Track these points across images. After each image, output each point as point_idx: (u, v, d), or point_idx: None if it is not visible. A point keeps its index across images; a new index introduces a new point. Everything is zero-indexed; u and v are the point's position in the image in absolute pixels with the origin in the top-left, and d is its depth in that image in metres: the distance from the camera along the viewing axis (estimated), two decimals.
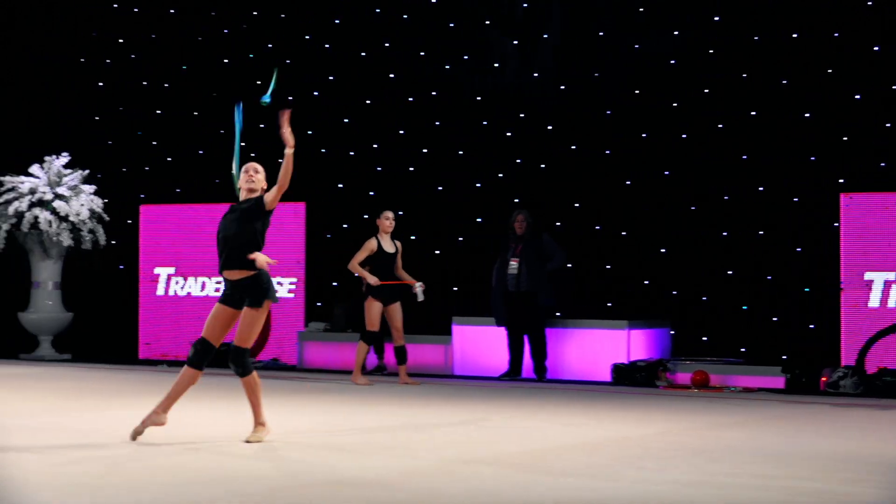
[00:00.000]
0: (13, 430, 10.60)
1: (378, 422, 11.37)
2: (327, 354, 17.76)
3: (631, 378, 15.54)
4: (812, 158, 16.57)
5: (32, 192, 19.05)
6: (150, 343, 19.49)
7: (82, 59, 21.02)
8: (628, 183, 17.35)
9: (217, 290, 19.03)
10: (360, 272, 15.13)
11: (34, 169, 19.31)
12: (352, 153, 19.11)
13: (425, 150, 18.62)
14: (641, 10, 17.51)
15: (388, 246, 15.29)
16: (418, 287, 15.29)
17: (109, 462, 8.66)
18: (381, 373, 16.99)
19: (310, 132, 19.29)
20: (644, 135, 17.32)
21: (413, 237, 18.17)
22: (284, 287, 18.54)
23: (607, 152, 17.48)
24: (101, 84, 20.91)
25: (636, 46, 17.49)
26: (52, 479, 7.97)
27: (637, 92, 17.42)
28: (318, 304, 18.76)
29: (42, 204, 19.02)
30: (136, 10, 20.76)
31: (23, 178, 19.24)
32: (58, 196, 19.07)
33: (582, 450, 9.56)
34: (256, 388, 9.79)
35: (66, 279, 19.56)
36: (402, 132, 18.82)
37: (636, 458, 9.03)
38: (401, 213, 18.30)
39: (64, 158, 19.41)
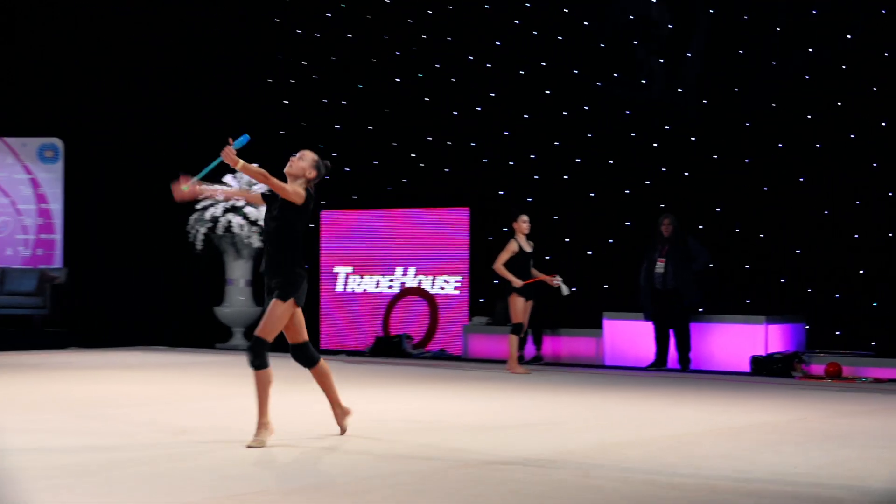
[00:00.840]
0: (215, 411, 10.80)
1: (533, 407, 11.35)
2: (489, 346, 17.78)
3: (769, 369, 15.32)
4: None
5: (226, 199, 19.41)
6: (329, 334, 19.71)
7: (269, 80, 21.34)
8: (766, 189, 17.09)
9: (390, 286, 19.19)
10: (505, 274, 15.12)
11: (227, 178, 19.61)
12: (511, 163, 19.10)
13: (578, 160, 18.54)
14: (778, 29, 17.24)
15: (526, 246, 15.29)
16: (557, 280, 15.29)
17: (298, 441, 8.78)
18: (538, 363, 16.96)
19: (473, 144, 19.36)
20: (780, 144, 17.05)
21: (567, 239, 18.12)
22: (451, 285, 18.61)
23: (746, 161, 17.23)
24: (286, 102, 21.21)
25: (773, 63, 17.22)
26: (248, 454, 8.10)
27: (773, 105, 17.15)
28: (481, 299, 18.79)
29: (234, 210, 19.34)
30: (316, 35, 21.02)
31: (217, 186, 19.56)
32: (248, 203, 19.40)
33: (723, 434, 9.45)
34: (268, 385, 8.61)
35: (256, 277, 19.88)
36: (557, 143, 18.76)
37: (774, 443, 8.90)
38: (556, 217, 18.30)
39: (254, 168, 19.69)
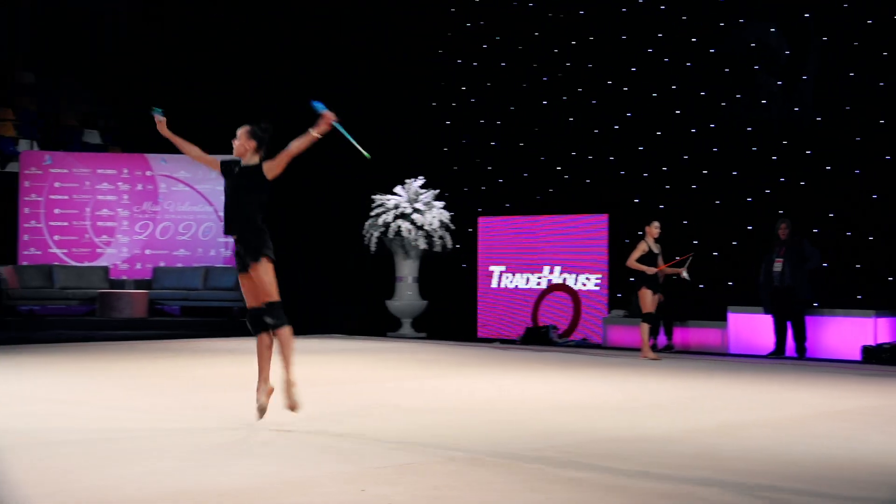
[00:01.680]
0: (386, 389, 11.03)
1: (664, 390, 11.37)
2: (626, 335, 17.77)
3: (878, 358, 15.07)
4: None
5: (396, 206, 19.66)
6: (485, 325, 19.88)
7: (434, 104, 21.59)
8: (874, 196, 16.79)
9: (538, 283, 19.28)
10: (638, 266, 15.21)
11: (397, 189, 19.93)
12: (646, 174, 19.05)
13: (705, 171, 18.42)
14: (885, 54, 16.91)
15: (654, 248, 15.36)
16: (684, 273, 15.43)
17: (459, 414, 8.94)
18: (669, 351, 16.91)
19: (612, 158, 19.37)
20: (888, 157, 16.74)
21: (696, 241, 18.02)
22: (592, 281, 18.64)
23: (856, 171, 16.95)
24: (448, 122, 21.43)
25: (881, 84, 16.91)
26: (420, 428, 8.29)
27: (882, 122, 16.84)
28: (619, 294, 18.78)
29: (403, 216, 19.60)
30: (474, 63, 21.19)
31: (389, 196, 19.88)
32: (415, 210, 19.63)
33: (835, 416, 9.38)
34: (290, 341, 8.09)
35: (422, 274, 20.12)
36: (686, 157, 18.67)
37: (882, 424, 8.82)
38: (685, 222, 18.21)
39: (420, 180, 19.96)
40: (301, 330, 19.67)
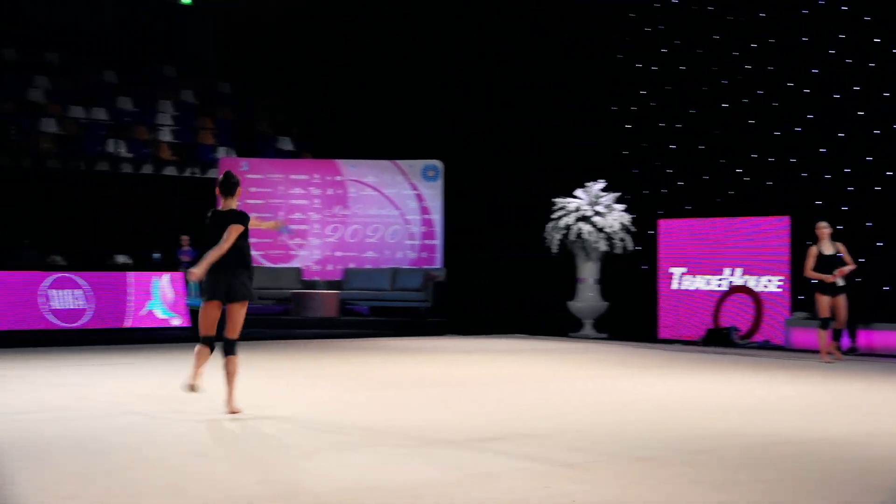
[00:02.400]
0: (570, 388, 11.17)
1: (848, 392, 11.15)
2: (808, 338, 17.47)
3: None
4: None
5: (577, 209, 19.71)
6: (666, 326, 19.78)
7: (614, 108, 21.59)
8: None
9: (719, 285, 19.11)
10: (815, 275, 14.90)
11: (578, 192, 19.99)
12: (827, 176, 18.71)
13: (889, 173, 18.00)
14: None
15: (827, 249, 14.98)
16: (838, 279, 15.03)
17: (643, 415, 9.02)
18: (854, 353, 16.58)
19: (793, 160, 19.08)
20: None
21: (880, 243, 17.63)
22: (773, 283, 18.39)
23: None
24: (628, 126, 21.43)
25: None
26: (604, 427, 8.43)
27: None
28: (801, 297, 18.49)
29: (584, 219, 19.63)
30: (654, 67, 21.14)
31: (570, 199, 19.95)
32: (596, 213, 19.65)
33: None
34: (237, 369, 8.96)
35: (603, 276, 20.12)
36: (869, 158, 18.28)
37: None
38: (869, 223, 17.84)
39: (600, 184, 19.97)
40: (485, 330, 20.00)
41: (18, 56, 25.66)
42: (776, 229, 18.41)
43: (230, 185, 9.12)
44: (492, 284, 21.87)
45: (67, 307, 17.86)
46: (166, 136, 24.61)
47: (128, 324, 18.43)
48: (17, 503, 5.75)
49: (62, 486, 6.12)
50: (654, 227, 20.23)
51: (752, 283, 18.75)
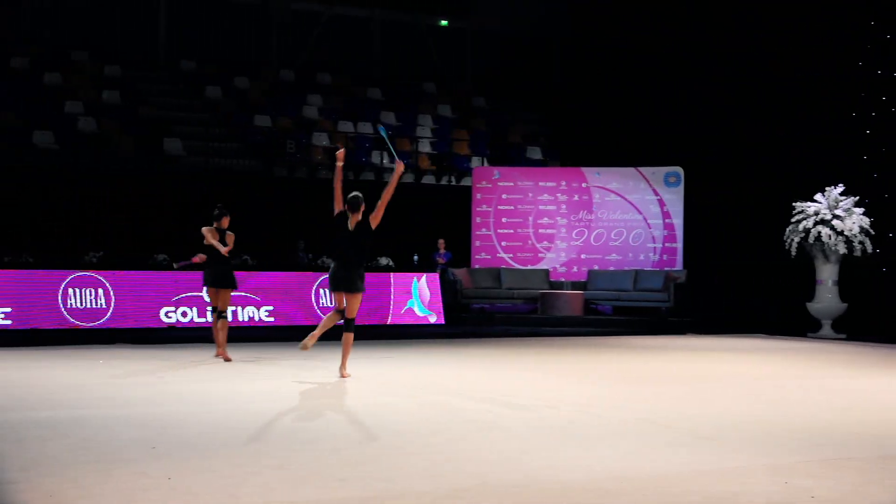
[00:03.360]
0: (812, 386, 10.91)
1: None
2: None
3: None
4: None
5: (816, 213, 19.19)
6: None
7: (853, 114, 20.86)
8: None
9: None
10: None
11: (817, 196, 19.44)
12: None
13: None
14: None
15: None
16: None
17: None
18: None
19: None
20: None
21: None
22: None
23: None
24: (867, 132, 20.66)
25: None
26: (845, 425, 8.20)
27: None
28: None
29: (823, 222, 19.09)
30: (895, 74, 20.31)
31: (809, 203, 19.42)
32: (835, 216, 19.08)
33: None
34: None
35: (842, 278, 19.50)
36: None
37: None
38: None
39: (840, 188, 19.38)
40: (725, 329, 19.68)
41: (296, 78, 26.85)
42: None
43: (356, 203, 11.25)
44: (731, 285, 21.49)
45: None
46: (425, 147, 25.21)
47: (390, 320, 19.00)
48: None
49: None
50: (895, 230, 19.45)
51: None
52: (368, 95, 26.84)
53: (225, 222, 13.40)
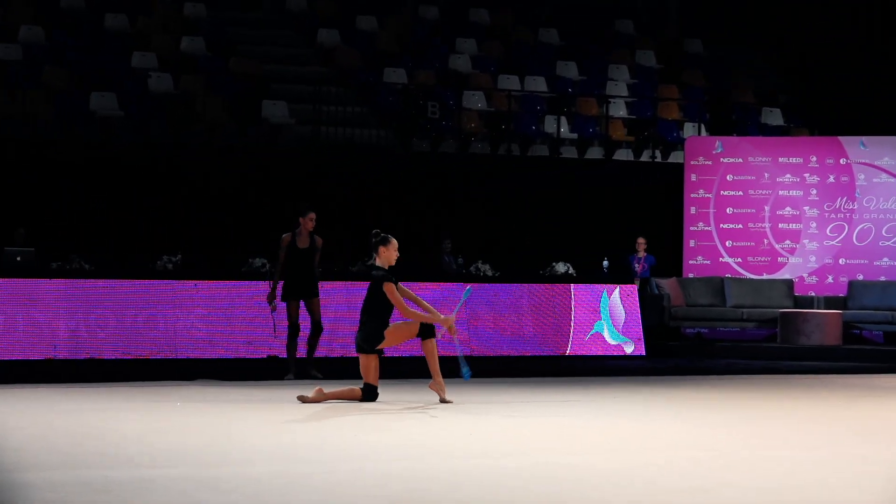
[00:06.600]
0: None
1: None
2: None
3: None
4: None
5: None
6: None
7: None
8: None
9: None
10: None
11: None
12: None
13: None
14: None
15: None
16: None
17: None
18: None
19: None
20: None
21: None
22: None
23: None
24: None
25: None
26: None
27: None
28: None
29: None
30: None
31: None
32: None
33: None
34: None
35: None
36: None
37: None
38: None
39: None
40: None
41: (441, 16, 26.72)
42: None
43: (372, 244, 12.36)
44: None
45: None
46: (619, 110, 25.01)
47: (569, 350, 18.73)
48: None
49: None
50: None
51: None
52: (540, 39, 26.72)
53: (309, 224, 14.21)
